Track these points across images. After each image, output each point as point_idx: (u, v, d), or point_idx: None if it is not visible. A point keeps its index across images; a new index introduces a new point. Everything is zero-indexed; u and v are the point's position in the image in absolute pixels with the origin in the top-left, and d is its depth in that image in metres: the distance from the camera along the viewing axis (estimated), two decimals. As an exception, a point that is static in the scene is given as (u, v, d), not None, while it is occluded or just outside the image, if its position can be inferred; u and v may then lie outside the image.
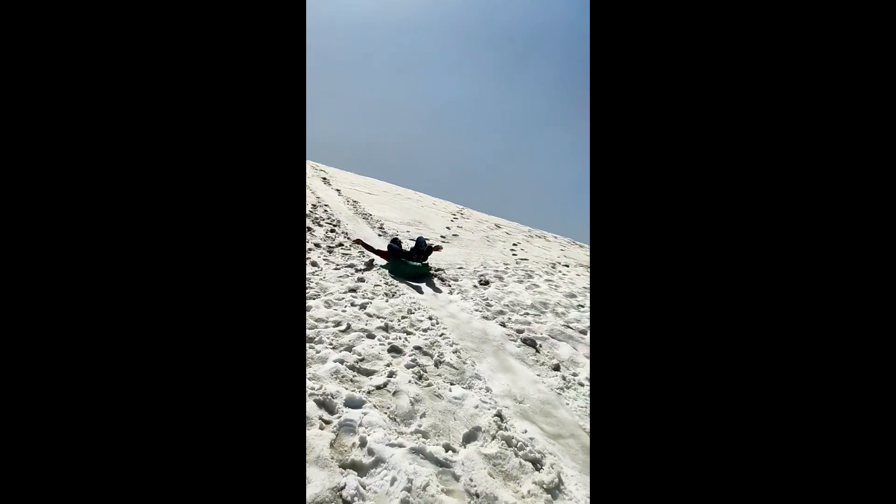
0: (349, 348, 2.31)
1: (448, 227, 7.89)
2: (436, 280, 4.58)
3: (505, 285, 4.68)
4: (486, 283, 4.60)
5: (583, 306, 4.35)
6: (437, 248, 4.89)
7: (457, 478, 1.46)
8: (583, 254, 9.19)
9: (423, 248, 4.83)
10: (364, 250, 4.98)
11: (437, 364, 2.39)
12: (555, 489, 1.52)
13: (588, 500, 1.51)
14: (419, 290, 4.02)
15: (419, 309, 3.30)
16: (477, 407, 1.98)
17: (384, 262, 4.72)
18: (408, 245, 5.70)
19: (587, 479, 1.67)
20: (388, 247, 4.94)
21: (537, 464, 1.65)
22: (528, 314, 3.76)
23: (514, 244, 7.93)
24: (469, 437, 1.73)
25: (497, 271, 5.28)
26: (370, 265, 4.40)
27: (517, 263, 6.14)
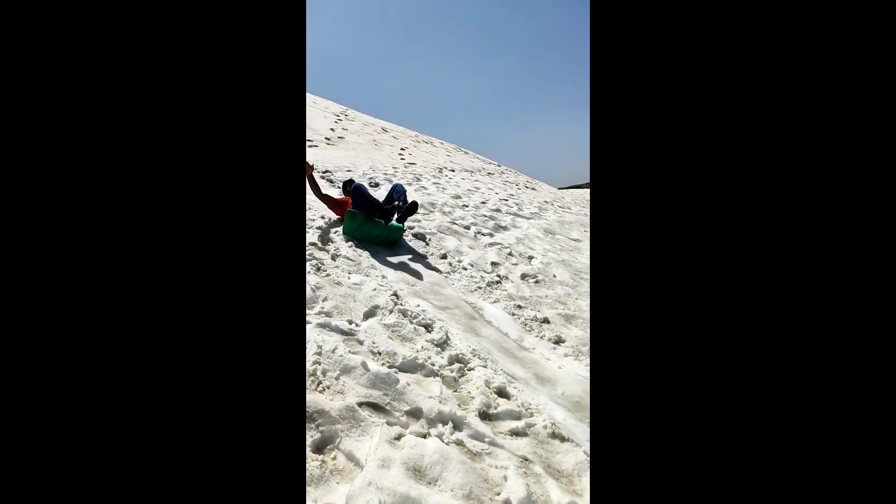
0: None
1: (332, 129, 7.45)
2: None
3: (394, 187, 4.78)
4: (377, 185, 4.64)
5: (467, 205, 4.71)
6: (413, 207, 3.00)
7: (361, 342, 1.68)
8: (467, 160, 9.55)
9: (399, 203, 3.02)
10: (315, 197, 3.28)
11: (333, 258, 2.49)
12: (443, 343, 1.84)
13: (470, 349, 1.87)
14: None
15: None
16: (375, 290, 2.18)
17: (334, 216, 3.22)
18: (376, 193, 4.09)
19: (468, 335, 2.03)
20: (347, 192, 3.40)
21: (429, 327, 1.95)
22: (417, 214, 3.97)
23: (402, 148, 7.89)
24: (369, 314, 1.94)
25: (386, 174, 5.31)
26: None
27: (406, 167, 6.21)
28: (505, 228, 4.25)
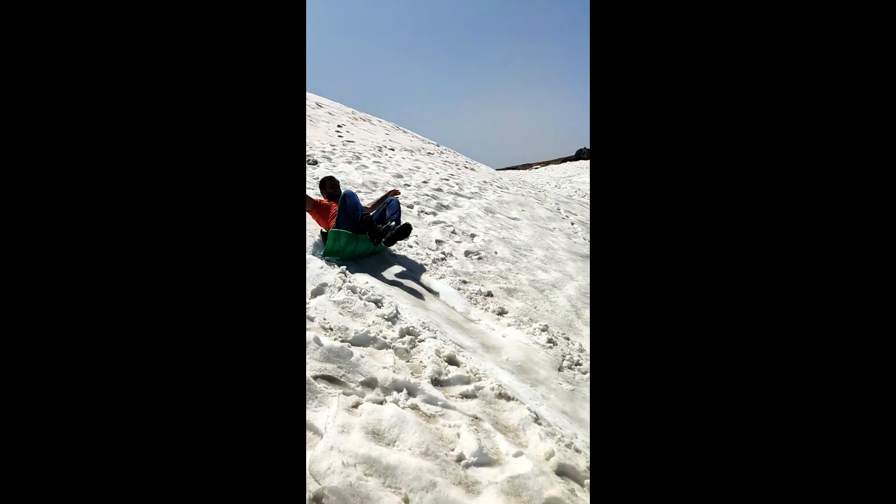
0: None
1: (263, 103, 7.00)
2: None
3: (334, 166, 4.65)
4: (315, 163, 4.49)
5: (409, 185, 4.71)
6: (406, 231, 2.51)
7: (311, 319, 1.68)
8: (406, 139, 9.46)
9: (392, 224, 2.58)
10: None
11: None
12: (394, 317, 1.89)
13: (419, 322, 1.94)
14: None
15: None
16: (322, 268, 2.16)
17: (319, 227, 2.76)
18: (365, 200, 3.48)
19: (417, 309, 2.10)
20: (328, 194, 2.88)
21: (378, 303, 1.98)
22: (359, 191, 3.92)
23: (339, 126, 7.63)
24: (317, 292, 1.93)
25: (325, 152, 5.14)
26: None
27: (344, 145, 6.04)
28: (447, 207, 4.32)
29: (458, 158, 9.36)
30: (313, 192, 3.40)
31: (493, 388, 1.56)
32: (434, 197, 4.52)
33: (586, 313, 2.66)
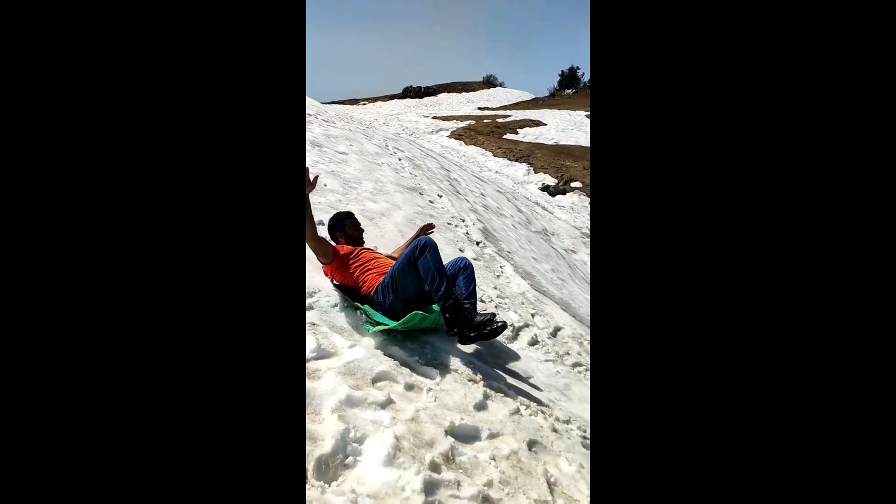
0: None
1: None
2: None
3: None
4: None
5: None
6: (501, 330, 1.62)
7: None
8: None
9: (468, 307, 1.65)
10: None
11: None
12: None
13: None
14: None
15: None
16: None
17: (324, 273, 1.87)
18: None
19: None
20: (348, 236, 1.96)
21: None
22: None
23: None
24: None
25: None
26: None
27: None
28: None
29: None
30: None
31: (327, 300, 1.74)
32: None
33: (410, 232, 3.00)
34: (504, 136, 11.66)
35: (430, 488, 1.01)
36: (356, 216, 2.08)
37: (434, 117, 15.82)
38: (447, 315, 1.58)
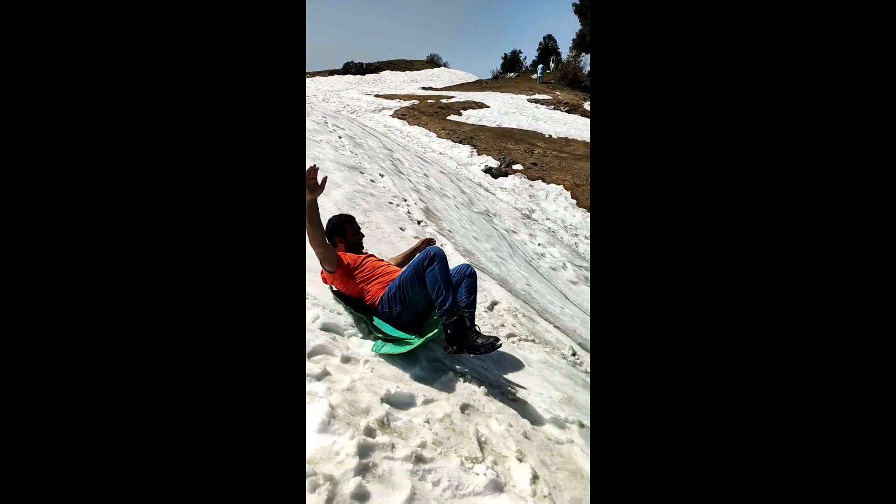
0: None
1: None
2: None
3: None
4: None
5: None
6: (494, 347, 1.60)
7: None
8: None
9: (468, 323, 1.65)
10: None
11: None
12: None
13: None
14: None
15: None
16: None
17: (320, 278, 1.81)
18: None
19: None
20: (350, 238, 1.88)
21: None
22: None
23: None
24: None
25: None
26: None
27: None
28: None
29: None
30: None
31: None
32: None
33: (349, 210, 2.96)
34: (448, 118, 11.64)
35: (364, 451, 1.04)
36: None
37: (377, 95, 15.40)
38: (449, 331, 1.57)
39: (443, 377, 1.53)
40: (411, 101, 13.44)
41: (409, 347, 1.50)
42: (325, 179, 1.61)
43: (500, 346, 1.56)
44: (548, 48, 25.31)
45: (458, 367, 1.64)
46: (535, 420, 1.54)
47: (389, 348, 1.50)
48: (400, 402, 1.31)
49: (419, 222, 3.56)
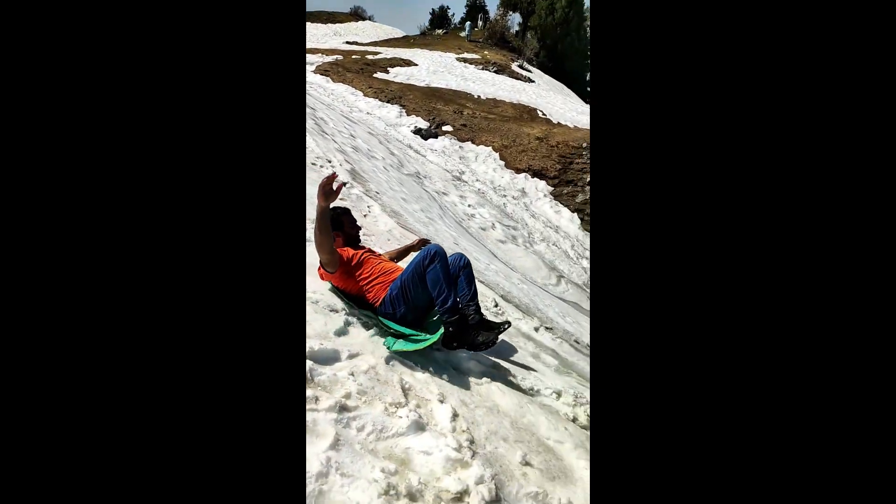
0: None
1: None
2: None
3: None
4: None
5: None
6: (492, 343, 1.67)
7: None
8: None
9: (473, 316, 1.66)
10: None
11: None
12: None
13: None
14: None
15: None
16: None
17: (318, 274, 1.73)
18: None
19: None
20: (350, 234, 1.86)
21: None
22: None
23: None
24: None
25: None
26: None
27: None
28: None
29: None
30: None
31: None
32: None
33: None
34: (375, 76, 11.14)
35: (286, 406, 1.06)
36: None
37: (296, 49, 14.24)
38: (450, 329, 1.58)
39: (367, 332, 1.57)
40: (334, 56, 12.63)
41: (423, 345, 1.52)
42: (340, 186, 1.55)
43: (502, 333, 1.64)
44: (475, 5, 24.78)
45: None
46: (457, 366, 1.64)
47: (402, 345, 1.52)
48: (324, 358, 1.34)
49: (345, 184, 3.47)
